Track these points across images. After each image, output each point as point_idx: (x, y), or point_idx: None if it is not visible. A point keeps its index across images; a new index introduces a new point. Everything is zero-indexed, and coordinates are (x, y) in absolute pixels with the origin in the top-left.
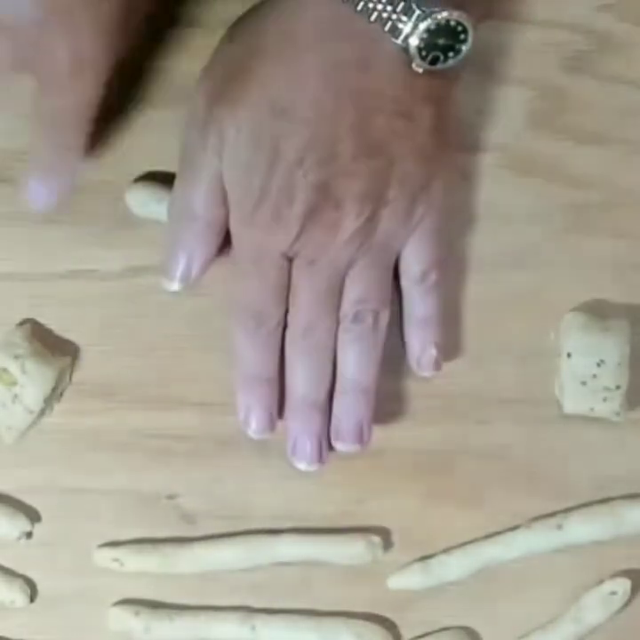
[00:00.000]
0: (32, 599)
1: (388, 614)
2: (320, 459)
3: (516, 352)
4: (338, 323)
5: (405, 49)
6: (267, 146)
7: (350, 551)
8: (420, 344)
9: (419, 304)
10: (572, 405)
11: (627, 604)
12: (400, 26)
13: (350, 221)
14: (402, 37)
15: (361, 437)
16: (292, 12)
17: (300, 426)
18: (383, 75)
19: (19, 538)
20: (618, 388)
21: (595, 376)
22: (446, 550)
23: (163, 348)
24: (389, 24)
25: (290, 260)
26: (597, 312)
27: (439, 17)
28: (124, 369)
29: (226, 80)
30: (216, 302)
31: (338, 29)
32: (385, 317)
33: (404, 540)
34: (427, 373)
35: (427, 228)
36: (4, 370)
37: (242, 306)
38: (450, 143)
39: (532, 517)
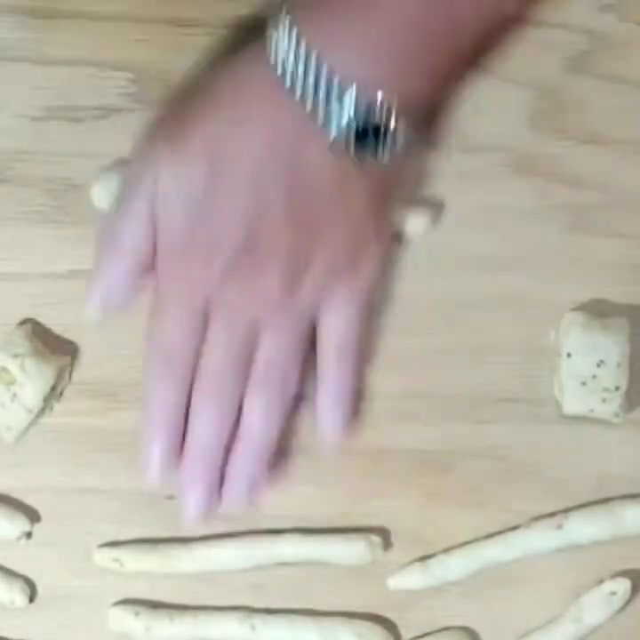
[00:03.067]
0: (32, 599)
1: (387, 614)
2: (207, 508)
3: (515, 352)
4: (248, 375)
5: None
6: (198, 200)
7: (350, 551)
8: (328, 411)
9: (332, 372)
10: (571, 406)
11: (627, 603)
12: (332, 116)
13: (270, 283)
14: (334, 126)
15: (248, 496)
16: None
17: (190, 473)
18: (316, 157)
19: (19, 538)
20: (617, 388)
21: (594, 376)
22: (446, 550)
23: None
24: (321, 114)
25: (208, 310)
26: (597, 312)
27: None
28: (124, 369)
29: (172, 126)
30: None
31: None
32: (293, 382)
33: (404, 540)
34: (331, 440)
35: (347, 303)
36: (4, 369)
37: (156, 343)
38: (384, 227)
39: (532, 517)
